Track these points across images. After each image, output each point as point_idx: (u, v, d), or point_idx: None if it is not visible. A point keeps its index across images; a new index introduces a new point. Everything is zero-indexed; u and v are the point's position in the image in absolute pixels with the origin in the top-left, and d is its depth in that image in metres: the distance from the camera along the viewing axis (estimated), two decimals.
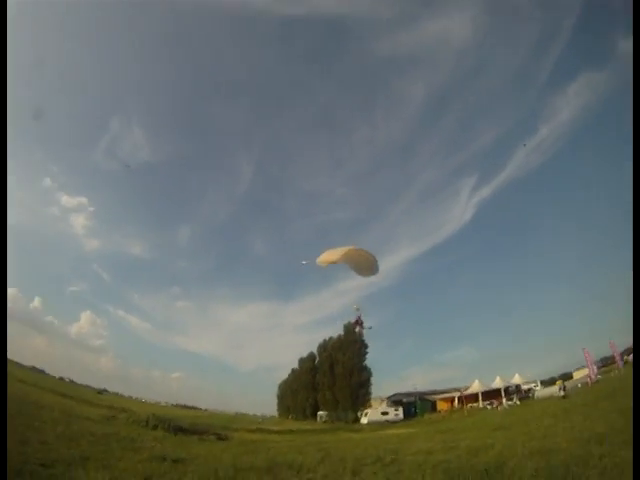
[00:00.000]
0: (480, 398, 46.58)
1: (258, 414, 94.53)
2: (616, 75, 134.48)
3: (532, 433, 12.35)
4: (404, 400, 53.62)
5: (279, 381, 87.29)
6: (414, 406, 50.84)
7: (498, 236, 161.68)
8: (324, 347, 56.86)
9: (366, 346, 53.59)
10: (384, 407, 48.82)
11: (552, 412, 19.06)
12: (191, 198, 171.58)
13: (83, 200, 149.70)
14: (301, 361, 66.72)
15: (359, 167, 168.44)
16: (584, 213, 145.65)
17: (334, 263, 14.05)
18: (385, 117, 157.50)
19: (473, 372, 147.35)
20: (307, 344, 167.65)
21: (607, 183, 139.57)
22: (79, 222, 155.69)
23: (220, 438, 17.48)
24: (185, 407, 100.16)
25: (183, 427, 17.75)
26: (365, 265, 15.68)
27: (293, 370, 74.03)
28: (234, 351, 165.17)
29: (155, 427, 16.28)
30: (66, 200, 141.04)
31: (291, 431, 31.83)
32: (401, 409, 47.24)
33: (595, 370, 43.03)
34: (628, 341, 45.87)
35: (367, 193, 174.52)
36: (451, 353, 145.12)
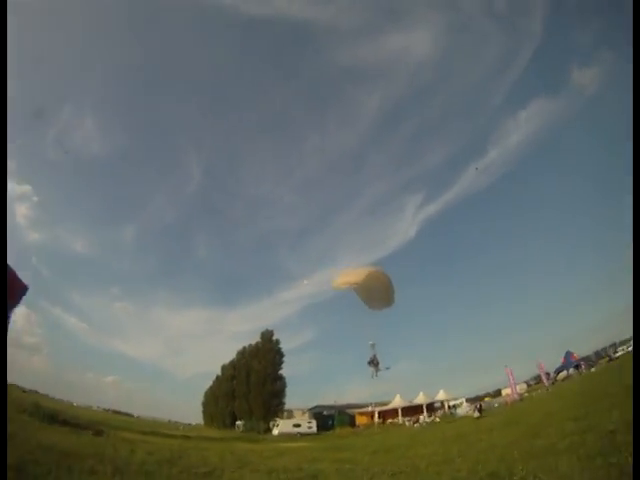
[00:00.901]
0: (400, 414, 43.32)
1: (194, 423, 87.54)
2: (568, 105, 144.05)
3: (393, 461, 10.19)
4: (324, 413, 49.87)
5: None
6: (332, 419, 46.74)
7: (440, 254, 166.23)
8: (242, 354, 52.06)
9: (282, 355, 50.33)
10: (297, 419, 44.33)
11: (449, 435, 17.26)
12: (138, 196, 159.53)
13: (27, 188, 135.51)
14: (223, 368, 61.39)
15: (308, 175, 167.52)
16: (528, 238, 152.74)
17: (352, 285, 12.36)
18: (338, 127, 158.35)
19: (413, 386, 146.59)
20: None
21: (550, 210, 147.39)
22: (21, 212, 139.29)
23: (97, 434, 16.88)
24: (117, 412, 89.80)
25: (64, 419, 18.09)
26: (379, 296, 13.87)
27: (217, 377, 68.27)
28: (172, 357, 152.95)
29: (32, 415, 16.32)
30: (10, 187, 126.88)
31: (186, 437, 29.27)
32: (314, 422, 43.36)
33: (517, 390, 41.31)
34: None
35: (314, 202, 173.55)
36: (392, 367, 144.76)
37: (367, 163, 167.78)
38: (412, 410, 44.76)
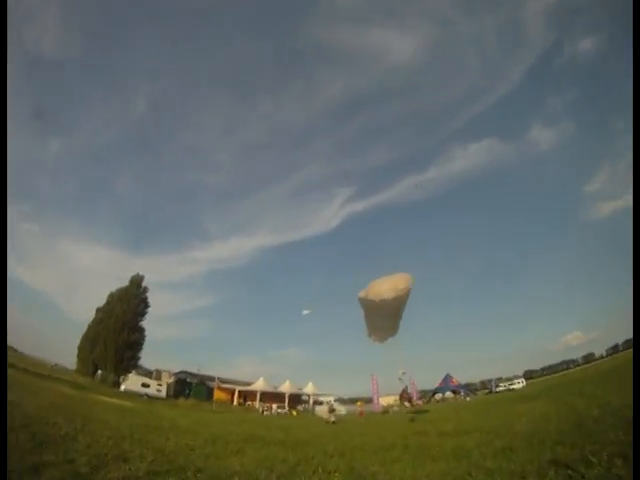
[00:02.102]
0: (258, 398, 41.15)
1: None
2: (517, 155, 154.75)
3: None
4: (188, 379, 46.46)
5: None
6: (189, 388, 43.41)
7: (352, 252, 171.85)
8: (112, 297, 46.21)
9: (147, 305, 45.64)
10: (148, 380, 40.42)
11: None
12: (73, 109, 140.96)
13: None
14: (97, 311, 54.40)
15: (249, 140, 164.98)
16: (436, 261, 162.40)
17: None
18: (293, 101, 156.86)
19: (298, 372, 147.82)
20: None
21: (466, 242, 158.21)
22: None
23: None
24: None
25: None
26: (391, 324, 14.35)
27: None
28: (68, 294, 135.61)
29: None
30: None
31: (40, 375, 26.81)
32: (165, 386, 39.88)
33: (378, 401, 41.08)
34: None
35: (247, 168, 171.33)
36: (281, 351, 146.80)
37: (310, 144, 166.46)
38: (276, 397, 42.89)
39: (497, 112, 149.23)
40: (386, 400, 57.04)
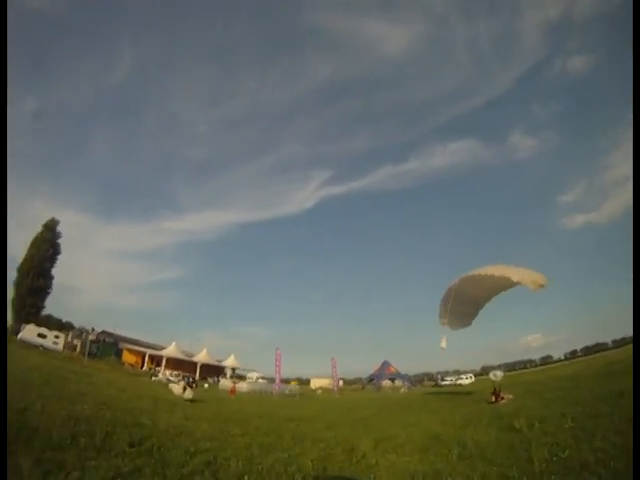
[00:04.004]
0: (163, 363, 38.55)
1: None
2: (495, 158, 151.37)
3: None
4: (100, 338, 43.79)
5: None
6: (97, 347, 40.73)
7: (324, 235, 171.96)
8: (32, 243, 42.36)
9: (57, 252, 42.39)
10: (47, 330, 37.33)
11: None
12: (56, 65, 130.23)
13: None
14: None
15: (231, 114, 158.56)
16: (404, 253, 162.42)
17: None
18: (280, 79, 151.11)
19: (263, 350, 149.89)
20: (111, 274, 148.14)
21: (437, 233, 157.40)
22: None
23: None
24: None
25: None
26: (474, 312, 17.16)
27: None
28: None
29: None
30: None
31: None
32: (62, 338, 37.02)
33: (338, 383, 39.61)
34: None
35: (227, 142, 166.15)
36: (246, 327, 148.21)
37: (292, 124, 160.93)
38: (188, 365, 40.48)
39: (482, 114, 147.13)
40: (319, 382, 55.71)
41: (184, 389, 18.08)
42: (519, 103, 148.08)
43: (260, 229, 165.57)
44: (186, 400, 16.03)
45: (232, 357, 44.06)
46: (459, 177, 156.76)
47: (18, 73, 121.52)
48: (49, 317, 47.87)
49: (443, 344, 15.91)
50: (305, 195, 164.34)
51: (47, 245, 41.47)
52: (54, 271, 42.11)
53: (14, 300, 39.54)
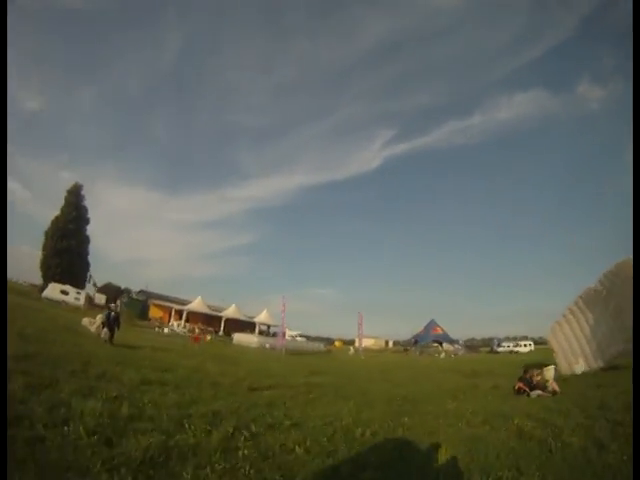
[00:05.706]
0: (184, 317, 35.46)
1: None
2: (564, 109, 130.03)
3: None
4: (132, 296, 42.43)
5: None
6: (125, 303, 38.96)
7: (391, 194, 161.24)
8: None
9: (81, 212, 42.71)
10: (71, 288, 36.10)
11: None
12: (106, 57, 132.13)
13: None
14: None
15: (288, 79, 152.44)
16: (477, 208, 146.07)
17: None
18: (333, 40, 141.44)
19: (330, 312, 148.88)
20: (183, 245, 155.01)
21: (508, 189, 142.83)
22: None
23: None
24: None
25: None
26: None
27: None
28: (106, 237, 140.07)
29: None
30: None
31: None
32: (84, 295, 35.49)
33: (361, 342, 35.11)
34: None
35: (285, 107, 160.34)
36: (315, 290, 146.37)
37: (350, 84, 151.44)
38: (213, 320, 36.66)
39: (544, 64, 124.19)
40: (368, 341, 50.60)
41: (102, 326, 12.94)
42: (585, 51, 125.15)
43: (325, 192, 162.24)
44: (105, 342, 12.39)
45: (264, 312, 39.46)
46: (527, 130, 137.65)
47: (82, 65, 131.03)
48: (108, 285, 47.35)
49: (578, 369, 12.03)
50: (370, 156, 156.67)
51: (70, 208, 41.41)
52: (90, 232, 42.97)
53: (42, 261, 39.41)
